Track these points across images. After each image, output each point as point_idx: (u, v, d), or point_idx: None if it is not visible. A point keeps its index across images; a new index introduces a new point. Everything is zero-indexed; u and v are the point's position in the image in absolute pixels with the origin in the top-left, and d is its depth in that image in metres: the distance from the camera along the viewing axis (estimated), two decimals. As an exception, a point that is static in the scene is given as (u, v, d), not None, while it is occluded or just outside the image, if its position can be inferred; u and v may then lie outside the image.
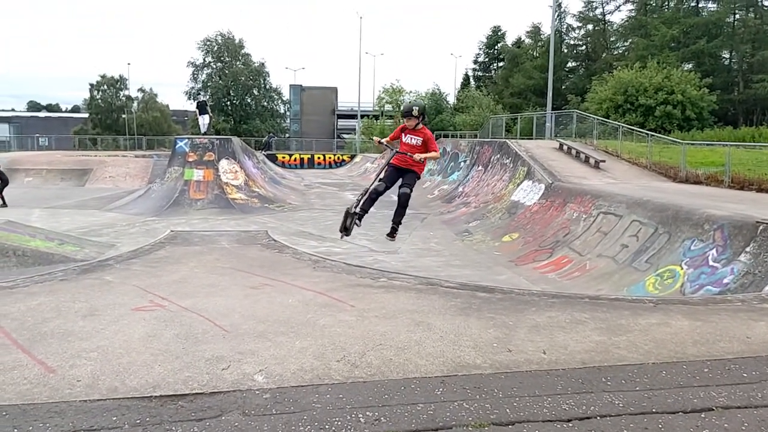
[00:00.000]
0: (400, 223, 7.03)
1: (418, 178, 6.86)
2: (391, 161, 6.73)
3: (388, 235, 7.07)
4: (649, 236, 8.90)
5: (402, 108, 6.80)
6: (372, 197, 6.77)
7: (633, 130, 19.45)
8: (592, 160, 15.99)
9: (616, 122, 21.95)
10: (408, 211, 17.57)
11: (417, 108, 6.58)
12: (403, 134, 6.70)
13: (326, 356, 3.67)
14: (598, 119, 21.23)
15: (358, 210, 6.68)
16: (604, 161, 15.81)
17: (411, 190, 6.78)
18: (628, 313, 4.68)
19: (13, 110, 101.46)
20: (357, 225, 6.80)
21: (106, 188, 25.02)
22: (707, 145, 18.72)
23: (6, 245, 8.71)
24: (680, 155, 15.21)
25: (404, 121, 6.70)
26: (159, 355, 3.64)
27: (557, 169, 14.88)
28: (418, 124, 6.58)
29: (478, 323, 4.38)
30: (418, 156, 6.45)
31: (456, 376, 3.39)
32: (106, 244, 10.91)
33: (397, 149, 6.68)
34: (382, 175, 6.77)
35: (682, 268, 7.85)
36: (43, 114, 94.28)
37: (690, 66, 39.17)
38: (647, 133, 17.61)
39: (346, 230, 6.74)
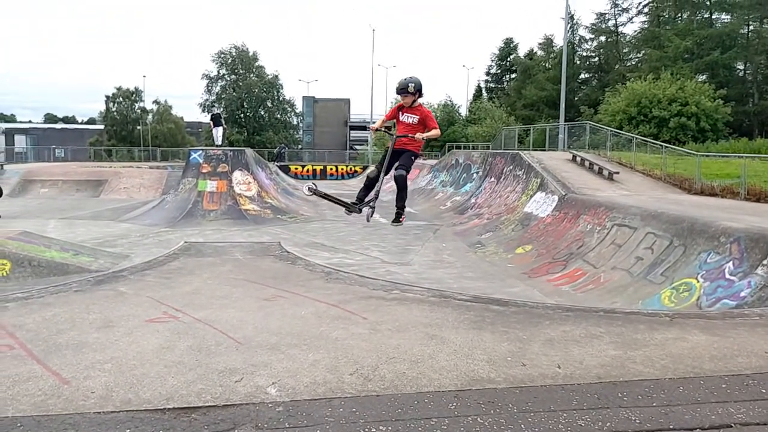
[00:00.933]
0: (404, 207, 6.78)
1: (415, 156, 6.56)
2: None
3: (393, 221, 6.83)
4: (665, 249, 8.81)
5: (397, 85, 6.30)
6: (366, 184, 6.59)
7: (647, 141, 19.32)
8: (605, 172, 15.88)
9: (630, 134, 21.83)
10: (420, 222, 17.49)
11: (413, 84, 6.19)
12: (400, 113, 6.40)
13: (339, 369, 3.66)
14: (611, 131, 21.12)
15: (362, 206, 6.62)
16: (617, 173, 15.71)
17: (407, 171, 6.47)
18: (644, 327, 4.62)
19: (30, 122, 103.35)
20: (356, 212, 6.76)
21: (120, 199, 25.27)
22: (722, 156, 18.53)
23: (22, 255, 8.81)
24: (695, 167, 15.07)
25: (400, 98, 6.37)
26: (172, 367, 3.65)
27: (570, 180, 14.80)
28: (414, 101, 6.28)
29: (492, 337, 4.35)
30: (419, 135, 6.20)
31: (470, 390, 3.36)
32: (120, 255, 11.00)
33: (396, 134, 6.36)
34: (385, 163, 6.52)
35: (698, 281, 7.75)
36: (59, 126, 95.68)
37: (704, 77, 38.91)
38: (661, 145, 17.50)
39: (321, 193, 6.68)
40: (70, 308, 5.18)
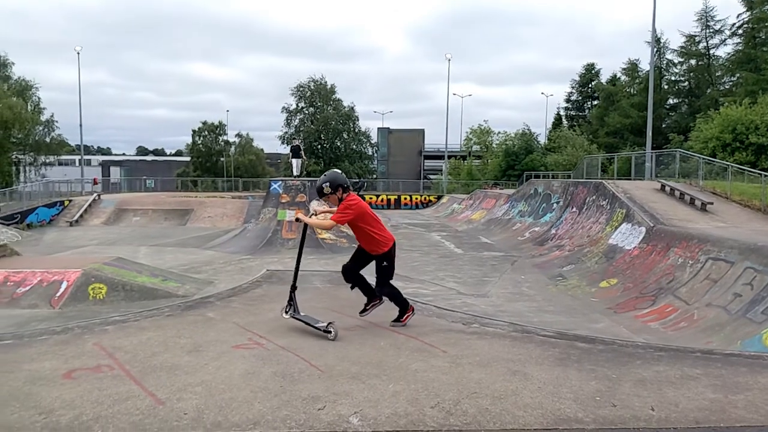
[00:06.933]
0: (405, 303, 5.89)
1: (382, 259, 5.74)
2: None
3: (393, 320, 5.89)
4: (766, 285, 8.17)
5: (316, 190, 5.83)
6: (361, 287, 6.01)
7: (744, 170, 18.14)
8: (698, 202, 15.01)
9: (725, 162, 20.58)
10: (497, 253, 17.04)
11: (327, 184, 5.60)
12: None
13: (420, 402, 3.63)
14: (703, 158, 19.98)
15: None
16: (711, 203, 14.80)
17: (383, 287, 5.79)
18: (745, 370, 4.33)
19: (124, 155, 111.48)
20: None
21: (205, 227, 26.47)
22: (830, 186, 17.06)
23: (116, 280, 9.38)
24: (799, 197, 13.98)
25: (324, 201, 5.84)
26: (258, 393, 3.76)
27: (659, 211, 14.10)
28: (340, 199, 5.61)
29: (579, 375, 4.18)
30: (300, 215, 5.66)
31: (556, 429, 3.25)
32: (205, 281, 11.45)
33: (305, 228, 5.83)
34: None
35: (805, 321, 7.12)
36: (150, 158, 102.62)
37: (806, 101, 36.23)
38: (760, 173, 16.36)
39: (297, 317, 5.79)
40: (163, 332, 5.45)
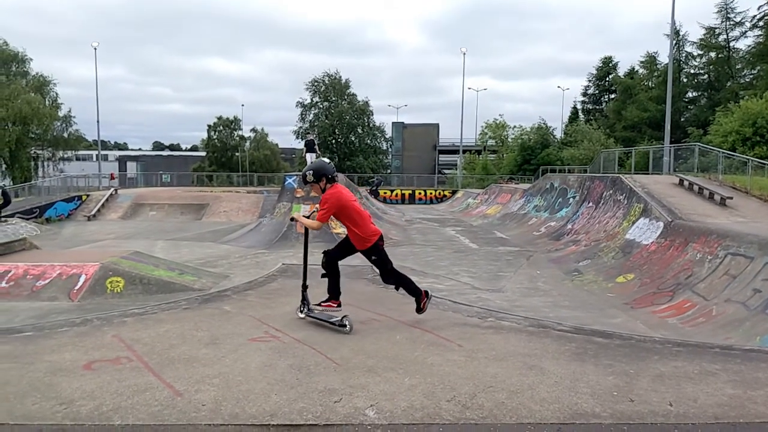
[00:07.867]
0: (418, 291, 5.76)
1: (370, 252, 5.69)
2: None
3: (415, 310, 5.78)
4: (787, 281, 8.05)
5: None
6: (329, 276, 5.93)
7: (764, 164, 17.86)
8: (717, 197, 14.81)
9: (745, 156, 20.26)
10: (512, 248, 16.88)
11: (310, 172, 5.60)
12: None
13: (436, 395, 3.63)
14: (723, 152, 19.68)
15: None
16: (731, 198, 14.59)
17: (388, 278, 5.77)
18: (765, 366, 4.29)
19: (140, 150, 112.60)
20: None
21: (220, 222, 26.61)
22: None
23: (134, 274, 9.49)
24: (821, 192, 13.73)
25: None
26: (275, 385, 3.78)
27: (677, 206, 13.93)
28: (324, 188, 5.59)
29: (596, 370, 4.16)
30: (296, 214, 5.63)
31: (573, 424, 3.24)
32: (221, 275, 11.55)
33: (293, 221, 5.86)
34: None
35: (827, 318, 7.00)
36: (166, 153, 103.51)
37: (829, 94, 35.51)
38: (781, 168, 16.12)
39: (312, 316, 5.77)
40: (181, 325, 5.51)
